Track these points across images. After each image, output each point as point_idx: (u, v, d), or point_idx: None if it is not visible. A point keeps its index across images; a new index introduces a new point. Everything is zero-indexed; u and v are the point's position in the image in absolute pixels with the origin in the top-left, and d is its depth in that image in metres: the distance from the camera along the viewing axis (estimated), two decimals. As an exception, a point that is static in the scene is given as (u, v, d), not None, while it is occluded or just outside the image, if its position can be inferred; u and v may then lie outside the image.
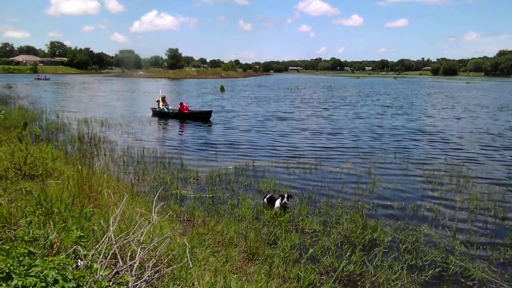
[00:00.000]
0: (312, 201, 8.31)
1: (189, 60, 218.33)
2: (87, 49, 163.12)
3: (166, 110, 23.71)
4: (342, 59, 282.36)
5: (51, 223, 3.90)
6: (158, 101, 24.03)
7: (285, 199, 7.38)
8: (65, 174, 7.19)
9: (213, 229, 6.27)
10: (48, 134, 15.34)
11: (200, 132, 18.92)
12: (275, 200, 7.60)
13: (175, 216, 6.84)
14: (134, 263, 3.25)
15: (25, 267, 2.49)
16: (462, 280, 5.38)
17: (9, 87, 49.48)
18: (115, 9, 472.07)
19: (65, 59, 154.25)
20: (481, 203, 8.38)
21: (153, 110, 24.23)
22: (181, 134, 18.58)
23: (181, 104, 23.52)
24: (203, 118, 22.26)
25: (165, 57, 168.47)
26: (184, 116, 22.79)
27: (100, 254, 3.19)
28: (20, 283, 2.35)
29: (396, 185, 9.73)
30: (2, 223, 3.85)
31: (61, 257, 2.78)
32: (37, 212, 4.32)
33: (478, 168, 11.55)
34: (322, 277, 5.18)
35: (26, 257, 2.64)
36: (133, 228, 3.85)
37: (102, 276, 2.83)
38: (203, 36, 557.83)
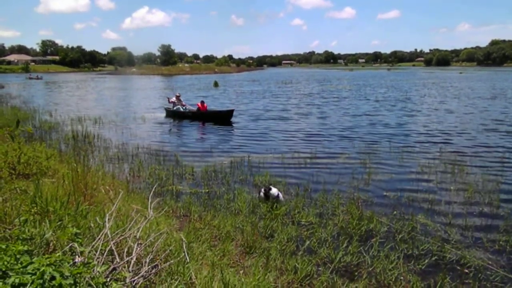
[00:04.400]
0: (308, 194, 8.32)
1: (182, 56, 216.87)
2: (79, 47, 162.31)
3: (181, 109, 21.90)
4: (336, 52, 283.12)
5: (47, 221, 3.88)
6: (173, 102, 22.18)
7: (261, 193, 7.40)
8: (60, 172, 7.15)
9: (210, 223, 6.28)
10: (41, 133, 15.26)
11: (195, 128, 18.91)
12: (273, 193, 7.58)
13: (171, 211, 6.85)
14: (131, 259, 3.25)
15: (22, 265, 2.48)
16: (458, 267, 5.42)
17: (1, 87, 49.13)
18: (105, 6, 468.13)
19: (57, 57, 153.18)
20: (476, 191, 8.43)
21: (167, 110, 22.51)
22: (176, 131, 18.51)
23: (201, 102, 21.59)
24: (223, 118, 20.24)
25: (157, 53, 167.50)
26: (202, 116, 20.94)
27: (96, 251, 3.18)
28: (17, 280, 2.34)
29: (391, 176, 9.78)
30: (-3, 223, 3.83)
31: (58, 254, 2.77)
32: (32, 210, 4.29)
33: (473, 157, 11.62)
34: (319, 268, 5.20)
35: (24, 255, 2.63)
36: (129, 224, 3.85)
37: (99, 272, 2.82)
38: (196, 32, 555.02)
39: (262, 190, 7.47)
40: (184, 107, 22.10)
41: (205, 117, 20.87)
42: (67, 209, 4.47)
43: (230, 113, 20.56)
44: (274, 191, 7.40)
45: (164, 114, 22.79)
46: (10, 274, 2.37)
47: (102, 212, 4.62)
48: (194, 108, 21.72)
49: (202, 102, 21.63)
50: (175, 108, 22.11)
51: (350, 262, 5.42)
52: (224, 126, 18.78)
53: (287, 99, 33.50)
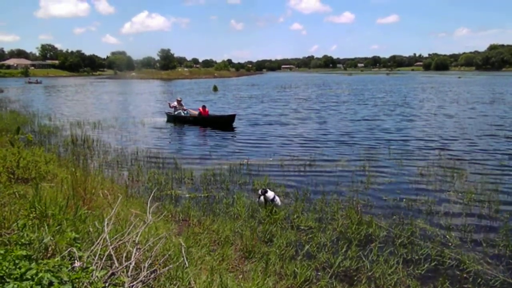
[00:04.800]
0: (307, 198, 8.31)
1: (181, 61, 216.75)
2: (78, 52, 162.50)
3: (183, 114, 21.65)
4: (335, 57, 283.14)
5: (46, 226, 3.87)
6: (174, 107, 22.01)
7: (261, 197, 7.40)
8: (59, 176, 7.15)
9: (209, 228, 6.27)
10: (40, 137, 15.25)
11: (195, 133, 18.90)
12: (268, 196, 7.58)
13: (170, 216, 6.83)
14: (130, 263, 3.24)
15: (21, 270, 2.47)
16: (458, 272, 5.41)
17: (0, 91, 49.13)
18: (105, 11, 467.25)
19: (57, 62, 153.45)
20: (475, 196, 8.43)
21: (168, 114, 22.33)
22: (175, 136, 18.50)
23: (203, 107, 21.14)
24: (224, 123, 19.96)
25: (157, 58, 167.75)
26: (203, 121, 20.71)
27: (95, 256, 3.17)
28: (15, 287, 2.33)
29: (390, 181, 9.78)
30: (-4, 227, 3.82)
31: (56, 259, 2.77)
32: (31, 215, 4.28)
33: (472, 163, 11.62)
34: (319, 273, 5.19)
35: (23, 260, 2.62)
36: (128, 229, 3.83)
37: (98, 277, 2.81)
38: (195, 36, 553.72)
39: (259, 191, 7.47)
40: (185, 112, 21.87)
41: (207, 122, 20.67)
42: (66, 214, 4.47)
43: (231, 118, 20.27)
44: (270, 194, 7.39)
45: (164, 119, 22.68)
46: (8, 280, 2.36)
47: (101, 216, 4.62)
48: (196, 112, 21.47)
49: (204, 107, 21.31)
50: (176, 112, 21.90)
51: (350, 267, 5.41)
52: (223, 131, 18.70)
53: (286, 103, 33.52)
